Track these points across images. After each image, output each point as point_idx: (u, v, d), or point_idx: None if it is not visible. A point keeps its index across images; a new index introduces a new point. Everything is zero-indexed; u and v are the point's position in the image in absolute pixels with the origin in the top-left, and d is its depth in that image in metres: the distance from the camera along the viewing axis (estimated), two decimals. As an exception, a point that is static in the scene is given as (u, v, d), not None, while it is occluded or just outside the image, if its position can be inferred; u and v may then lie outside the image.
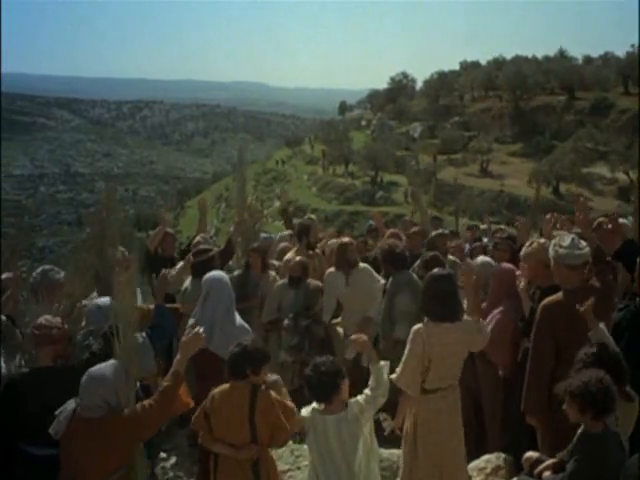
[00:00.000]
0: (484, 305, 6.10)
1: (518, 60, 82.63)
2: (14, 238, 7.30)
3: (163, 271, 6.32)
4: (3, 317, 5.44)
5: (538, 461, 4.20)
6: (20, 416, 4.48)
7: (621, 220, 7.14)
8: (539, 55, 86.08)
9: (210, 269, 6.75)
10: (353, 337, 4.66)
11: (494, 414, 6.15)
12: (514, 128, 69.30)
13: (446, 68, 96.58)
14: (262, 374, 4.48)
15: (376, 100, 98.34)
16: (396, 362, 4.95)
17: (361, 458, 4.29)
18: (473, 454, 5.57)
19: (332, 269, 7.74)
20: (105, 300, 5.44)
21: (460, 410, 4.97)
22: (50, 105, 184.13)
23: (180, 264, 7.87)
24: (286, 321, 7.45)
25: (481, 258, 6.96)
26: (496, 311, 6.00)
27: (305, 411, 4.47)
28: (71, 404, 4.15)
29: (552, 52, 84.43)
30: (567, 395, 3.84)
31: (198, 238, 8.35)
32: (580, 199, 6.02)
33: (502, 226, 11.76)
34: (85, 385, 4.09)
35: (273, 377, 4.70)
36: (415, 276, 7.15)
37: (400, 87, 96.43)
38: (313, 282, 7.77)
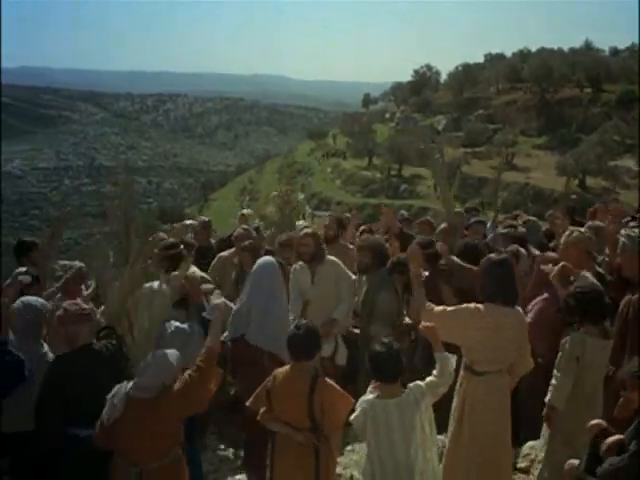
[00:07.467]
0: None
1: (543, 52, 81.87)
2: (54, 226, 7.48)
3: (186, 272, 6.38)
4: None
5: (605, 431, 4.14)
6: (69, 397, 4.53)
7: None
8: (565, 47, 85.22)
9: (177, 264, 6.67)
10: (423, 325, 4.65)
11: (532, 400, 6.15)
12: (539, 121, 68.68)
13: (471, 60, 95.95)
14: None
15: (400, 93, 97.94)
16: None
17: (418, 444, 4.31)
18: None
19: (300, 263, 7.13)
20: (159, 284, 5.53)
21: (508, 395, 4.98)
22: (74, 98, 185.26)
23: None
24: None
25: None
26: (538, 299, 6.02)
27: (359, 403, 4.47)
28: (123, 387, 4.23)
29: (578, 44, 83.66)
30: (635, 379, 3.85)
31: (239, 230, 8.35)
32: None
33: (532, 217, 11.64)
34: (149, 366, 4.19)
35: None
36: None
37: (424, 80, 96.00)
38: None
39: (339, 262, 7.15)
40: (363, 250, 7.03)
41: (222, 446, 6.93)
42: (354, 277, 7.29)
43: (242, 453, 6.57)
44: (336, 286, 7.01)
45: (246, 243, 7.36)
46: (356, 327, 7.18)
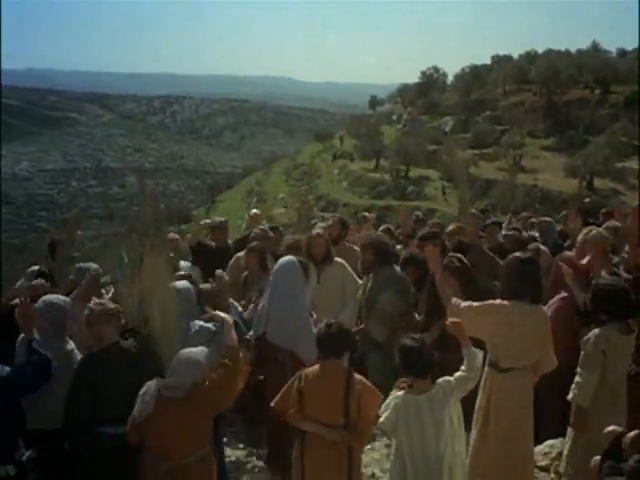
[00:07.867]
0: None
1: (551, 54, 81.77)
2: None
3: (218, 272, 6.41)
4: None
5: (622, 434, 4.15)
6: (97, 397, 4.56)
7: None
8: (572, 49, 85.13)
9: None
10: (450, 321, 4.70)
11: (550, 399, 6.17)
12: (547, 122, 68.55)
13: (478, 62, 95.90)
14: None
15: (407, 94, 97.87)
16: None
17: (447, 438, 4.37)
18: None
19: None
20: (183, 283, 5.56)
21: (532, 392, 5.01)
22: (81, 100, 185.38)
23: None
24: None
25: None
26: (555, 298, 6.06)
27: (388, 401, 4.52)
28: (153, 385, 4.27)
29: (585, 45, 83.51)
30: None
31: (257, 230, 8.36)
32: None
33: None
34: (179, 366, 4.23)
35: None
36: (399, 272, 6.84)
37: (431, 81, 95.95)
38: None
39: (346, 264, 7.20)
40: (366, 248, 6.98)
41: (241, 445, 6.95)
42: (360, 282, 7.27)
43: (259, 451, 6.60)
44: (342, 288, 7.07)
45: (252, 244, 7.38)
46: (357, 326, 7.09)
